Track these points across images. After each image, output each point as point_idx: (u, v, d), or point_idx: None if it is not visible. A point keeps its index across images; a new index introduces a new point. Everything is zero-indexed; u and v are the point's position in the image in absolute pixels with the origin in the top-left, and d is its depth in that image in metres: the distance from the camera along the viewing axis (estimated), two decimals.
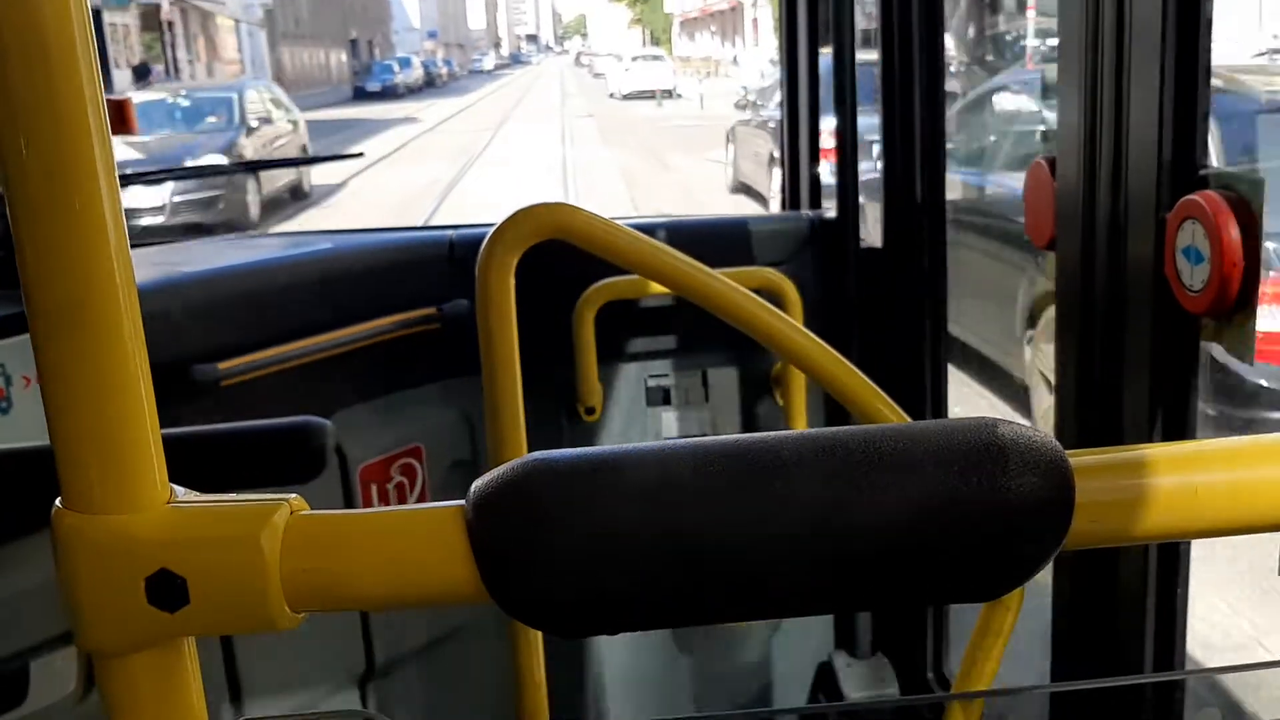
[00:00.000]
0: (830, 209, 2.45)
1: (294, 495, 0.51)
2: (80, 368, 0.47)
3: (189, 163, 11.04)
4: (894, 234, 2.28)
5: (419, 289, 2.19)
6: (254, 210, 12.68)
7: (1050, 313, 2.23)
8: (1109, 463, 0.53)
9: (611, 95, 38.70)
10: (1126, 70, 1.23)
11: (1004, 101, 6.54)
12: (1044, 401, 4.41)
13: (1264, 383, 3.82)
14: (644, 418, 2.44)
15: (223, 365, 1.83)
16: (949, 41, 3.08)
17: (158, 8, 35.86)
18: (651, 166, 17.57)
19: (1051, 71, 1.45)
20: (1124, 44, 1.23)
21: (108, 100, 0.44)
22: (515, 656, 1.49)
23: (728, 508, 0.49)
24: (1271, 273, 3.44)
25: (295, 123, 16.50)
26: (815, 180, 2.53)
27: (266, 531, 0.49)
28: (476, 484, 0.51)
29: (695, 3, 63.69)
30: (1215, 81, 1.22)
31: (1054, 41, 1.45)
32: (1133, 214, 1.25)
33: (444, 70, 63.96)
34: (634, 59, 38.09)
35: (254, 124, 14.57)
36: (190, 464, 1.15)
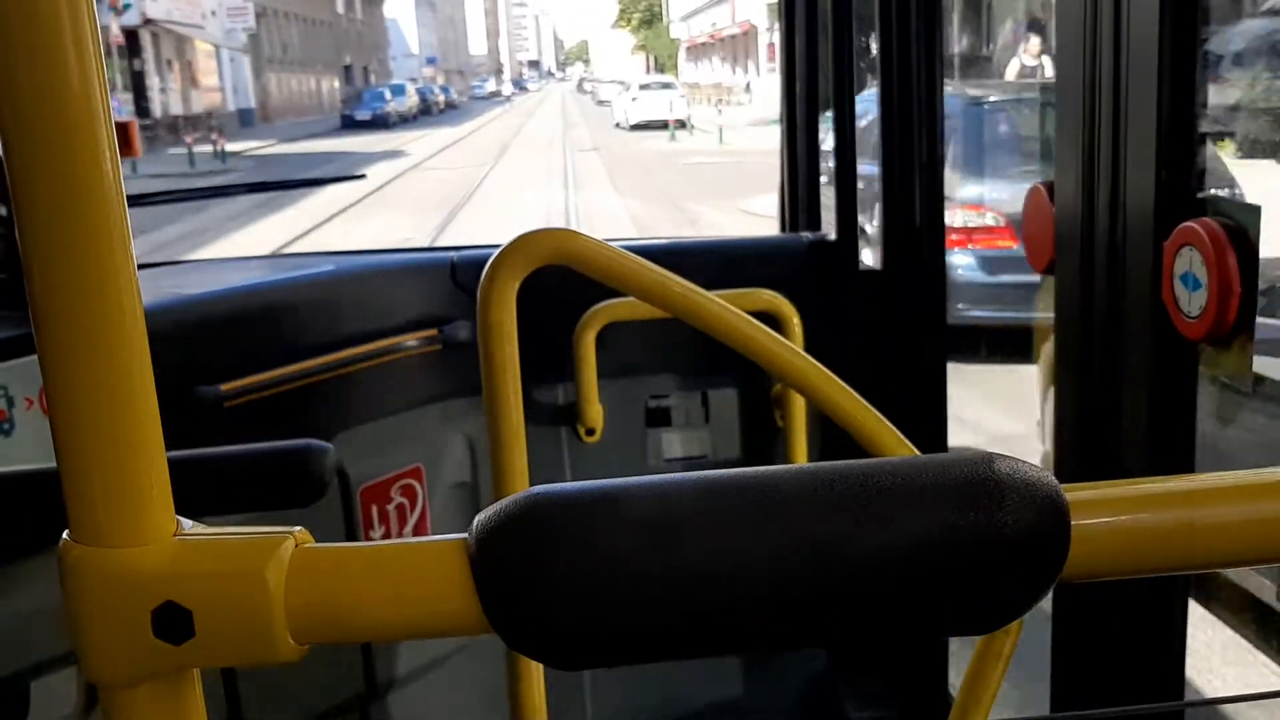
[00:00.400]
0: (830, 230, 2.48)
1: (298, 528, 0.52)
2: (89, 401, 0.48)
3: None
4: (893, 256, 2.28)
5: (421, 310, 2.22)
6: None
7: (1048, 346, 2.39)
8: (1105, 497, 0.54)
9: (618, 125, 35.73)
10: (1123, 97, 1.23)
11: None
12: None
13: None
14: (644, 439, 2.45)
15: (225, 386, 1.85)
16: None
17: (129, 32, 32.94)
18: (675, 221, 14.41)
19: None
20: (1120, 71, 1.23)
21: (115, 122, 0.45)
22: (515, 684, 1.43)
23: (728, 542, 0.49)
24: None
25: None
26: (814, 202, 2.54)
27: (272, 565, 0.49)
28: (479, 517, 0.51)
29: (703, 27, 60.96)
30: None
31: None
32: (1131, 240, 1.25)
33: (440, 98, 61.07)
34: (642, 86, 35.00)
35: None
36: (193, 487, 1.12)
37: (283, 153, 31.09)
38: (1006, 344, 5.84)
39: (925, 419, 2.28)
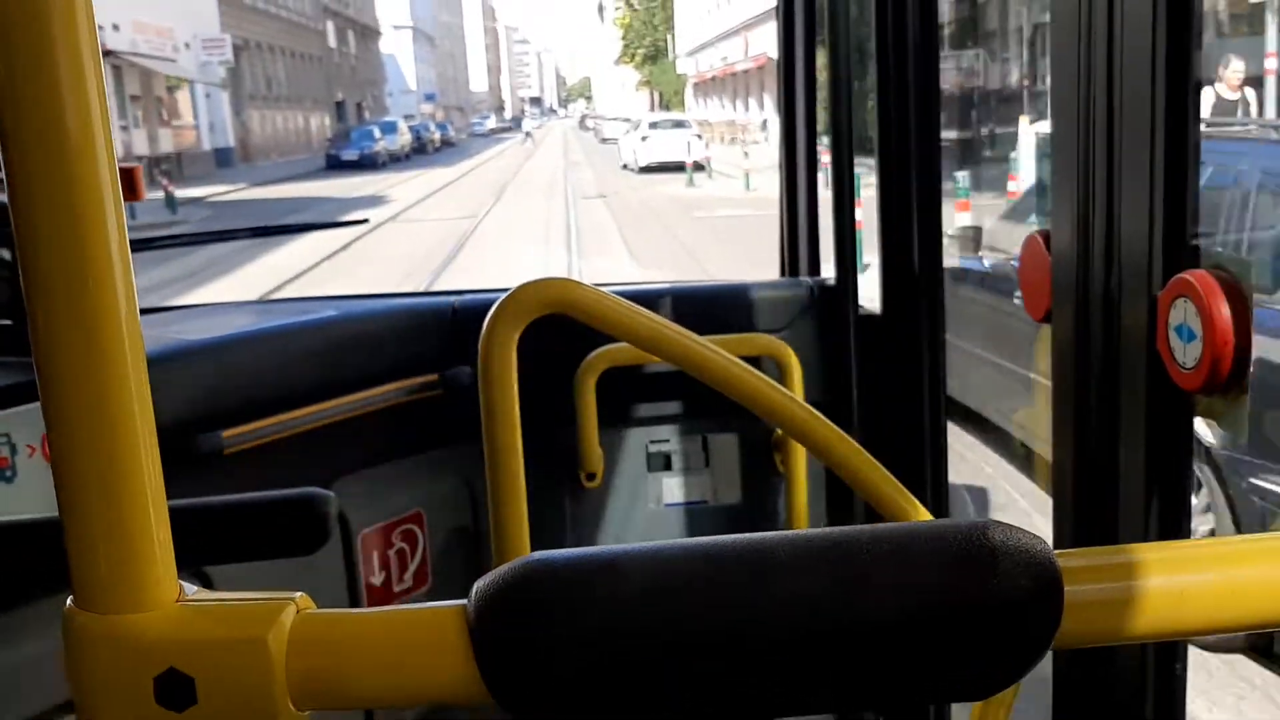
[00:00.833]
0: (830, 275, 2.47)
1: (299, 594, 0.52)
2: (93, 466, 0.48)
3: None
4: (892, 300, 2.28)
5: (422, 355, 2.22)
6: None
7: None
8: (1098, 564, 0.55)
9: (625, 167, 32.37)
10: (1118, 147, 1.24)
11: None
12: None
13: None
14: (645, 483, 2.45)
15: (227, 433, 1.85)
16: None
17: None
18: None
19: None
20: (1115, 121, 1.24)
21: (119, 168, 0.46)
22: None
23: (725, 612, 0.50)
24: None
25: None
26: (814, 245, 2.53)
27: (273, 632, 0.50)
28: (478, 585, 0.52)
29: (712, 62, 57.93)
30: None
31: None
32: (1126, 290, 1.27)
33: (436, 135, 57.93)
34: (652, 125, 31.50)
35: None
36: (196, 536, 1.14)
37: (251, 198, 27.79)
38: None
39: (925, 465, 2.25)
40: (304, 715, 0.51)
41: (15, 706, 1.51)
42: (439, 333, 2.25)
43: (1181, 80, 1.18)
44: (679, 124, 31.52)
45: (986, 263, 6.44)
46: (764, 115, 43.12)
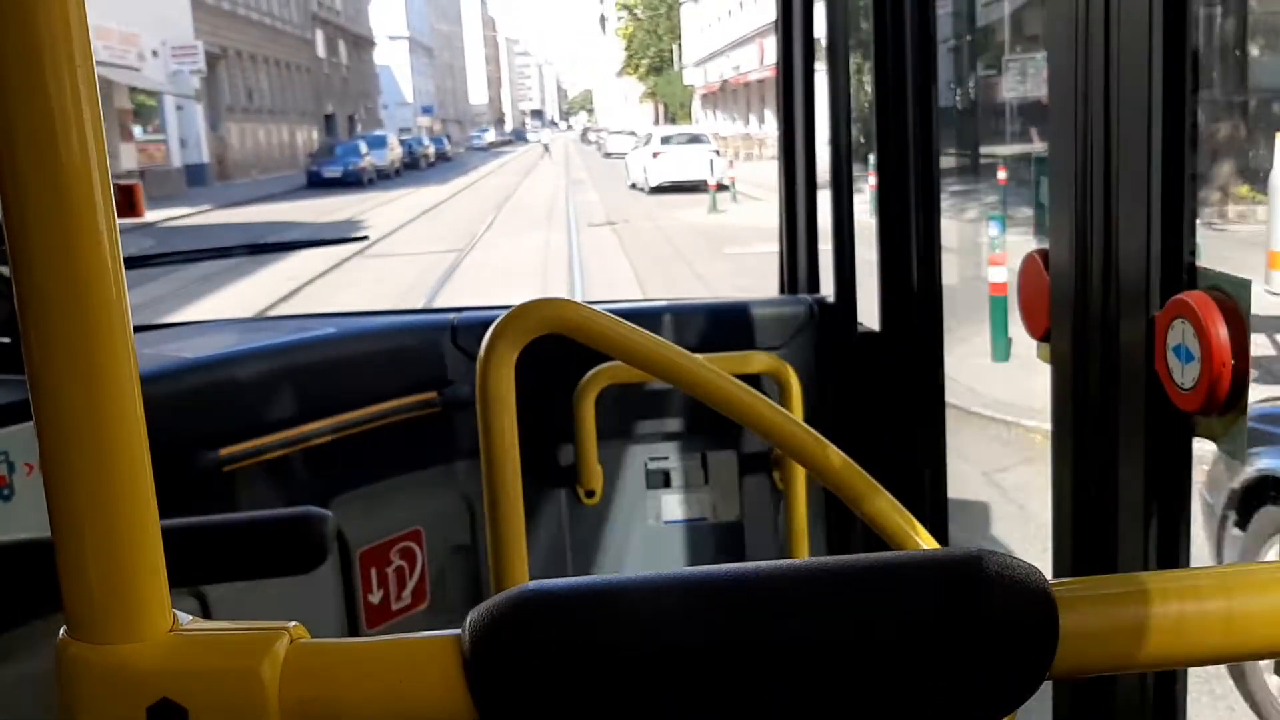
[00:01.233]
0: (829, 292, 2.46)
1: (293, 623, 0.52)
2: (87, 494, 0.49)
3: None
4: (891, 318, 2.27)
5: (422, 372, 2.22)
6: None
7: None
8: (1094, 594, 0.55)
9: (634, 186, 29.10)
10: (1115, 167, 1.25)
11: None
12: None
13: None
14: (644, 500, 2.44)
15: (225, 451, 1.85)
16: None
17: None
18: None
19: None
20: (1112, 140, 1.24)
21: (117, 185, 0.46)
22: None
23: (719, 644, 0.50)
24: None
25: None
26: (814, 263, 2.51)
27: (267, 662, 0.50)
28: (472, 615, 0.52)
29: (722, 72, 54.75)
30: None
31: None
32: (1124, 310, 1.27)
33: (430, 150, 54.68)
34: (665, 140, 28.00)
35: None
36: (193, 556, 1.15)
37: (214, 223, 24.53)
38: None
39: (924, 482, 2.24)
40: None
41: None
42: (439, 350, 2.24)
43: (1177, 100, 1.17)
44: (695, 139, 28.10)
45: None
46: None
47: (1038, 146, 12.39)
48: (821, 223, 2.46)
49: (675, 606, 0.51)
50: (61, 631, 0.50)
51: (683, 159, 26.53)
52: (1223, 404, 1.14)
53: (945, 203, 2.25)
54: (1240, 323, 1.13)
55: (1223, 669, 3.37)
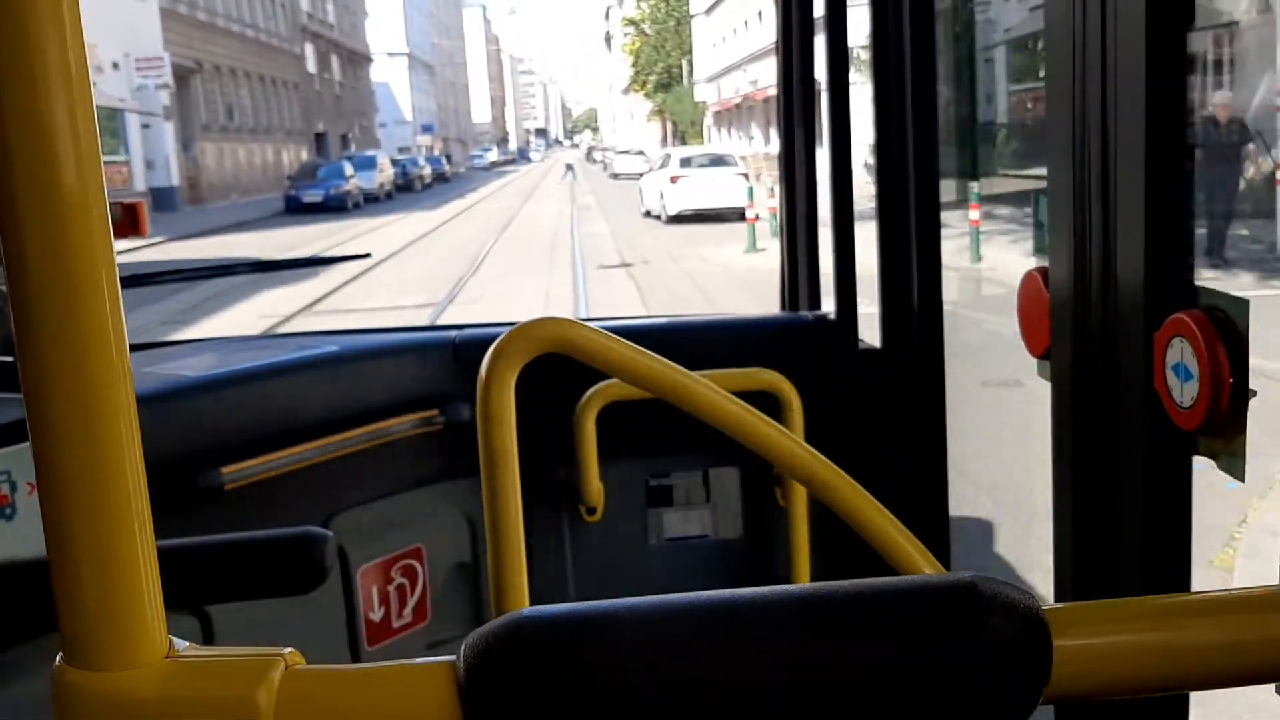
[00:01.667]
0: (830, 309, 2.47)
1: (289, 650, 0.52)
2: (82, 524, 0.49)
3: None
4: (892, 335, 2.27)
5: (423, 389, 2.21)
6: None
7: None
8: (1088, 619, 0.56)
9: (649, 214, 25.50)
10: (1113, 184, 1.24)
11: None
12: None
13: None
14: (645, 518, 2.42)
15: (227, 469, 1.85)
16: None
17: None
18: None
19: None
20: (1110, 157, 1.24)
21: (120, 203, 0.47)
22: None
23: (715, 669, 0.51)
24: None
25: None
26: (815, 279, 2.50)
27: (263, 689, 0.50)
28: (468, 641, 0.52)
29: (739, 87, 51.26)
30: None
31: None
32: (1123, 328, 1.26)
33: (425, 170, 51.15)
34: (685, 162, 24.25)
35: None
36: (195, 575, 1.17)
37: (150, 259, 21.00)
38: None
39: (925, 500, 2.22)
40: None
41: None
42: (440, 367, 2.24)
43: (1174, 119, 1.17)
44: (719, 160, 24.40)
45: None
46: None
47: None
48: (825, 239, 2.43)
49: (669, 634, 0.51)
50: (58, 658, 0.50)
51: (706, 184, 22.89)
52: (1222, 423, 1.13)
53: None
54: (1239, 341, 1.12)
55: None
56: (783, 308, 2.57)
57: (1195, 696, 1.22)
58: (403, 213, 32.11)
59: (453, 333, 2.31)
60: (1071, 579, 1.36)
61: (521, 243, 21.29)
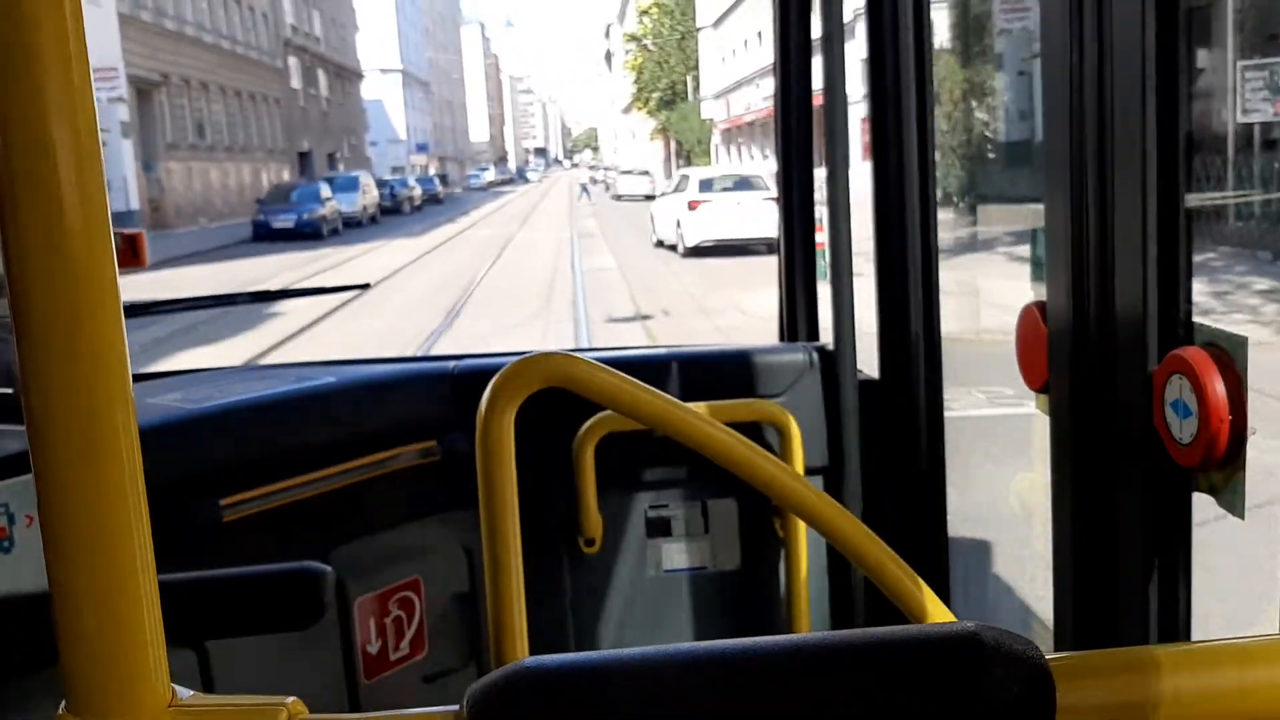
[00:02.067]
0: (828, 340, 2.45)
1: (291, 698, 0.52)
2: (89, 575, 0.48)
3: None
4: (890, 365, 2.26)
5: (421, 421, 2.20)
6: None
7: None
8: (1092, 668, 0.56)
9: (660, 244, 22.08)
10: (1111, 220, 1.24)
11: None
12: None
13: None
14: (644, 549, 2.40)
15: (225, 501, 1.84)
16: None
17: None
18: None
19: None
20: (1108, 195, 1.24)
21: (120, 233, 0.47)
22: None
23: (718, 718, 0.51)
24: None
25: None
26: (813, 309, 2.51)
27: None
28: (471, 690, 0.52)
29: (750, 103, 47.93)
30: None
31: None
32: (1122, 364, 1.26)
33: (415, 192, 47.72)
34: (705, 184, 20.64)
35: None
36: (193, 611, 1.17)
37: None
38: None
39: (924, 532, 2.19)
40: None
41: None
42: (438, 398, 2.22)
43: (1173, 154, 1.17)
44: (745, 183, 20.82)
45: None
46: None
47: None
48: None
49: (670, 687, 0.51)
50: (61, 707, 0.50)
51: (731, 210, 19.43)
52: (1221, 459, 1.13)
53: None
54: (1237, 378, 1.12)
55: None
56: (781, 338, 2.57)
57: None
58: (384, 240, 28.72)
59: (450, 363, 2.30)
60: (1071, 615, 1.35)
61: (513, 280, 17.82)
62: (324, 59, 60.31)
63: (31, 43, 0.45)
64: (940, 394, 2.17)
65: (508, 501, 1.21)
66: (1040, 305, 1.41)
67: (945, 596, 2.03)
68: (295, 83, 53.70)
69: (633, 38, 71.36)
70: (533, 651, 0.53)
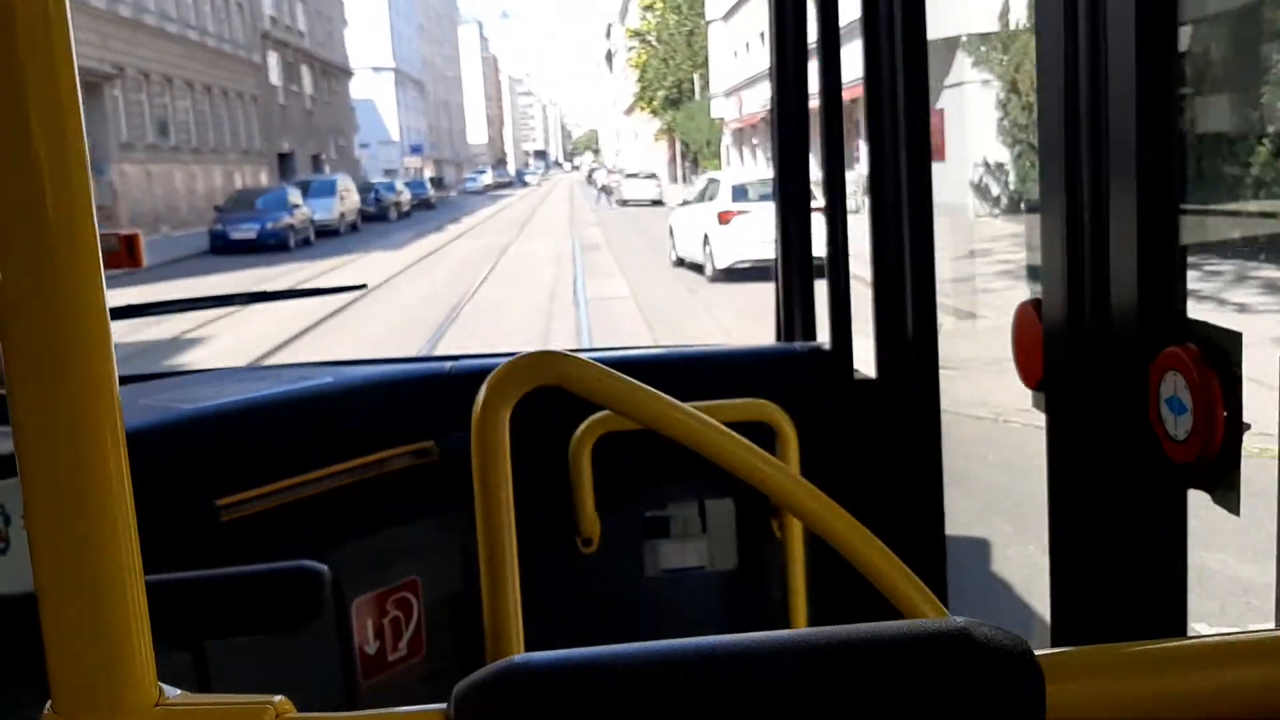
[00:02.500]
0: (825, 339, 2.47)
1: (279, 697, 0.52)
2: (76, 573, 0.49)
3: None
4: (887, 365, 2.27)
5: (417, 421, 2.21)
6: None
7: None
8: (1082, 664, 0.56)
9: (681, 263, 18.34)
10: (1106, 217, 1.24)
11: None
12: None
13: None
14: (641, 549, 2.42)
15: (220, 502, 1.85)
16: None
17: None
18: None
19: None
20: (1102, 192, 1.25)
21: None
22: None
23: (705, 714, 0.51)
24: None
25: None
26: (809, 309, 2.51)
27: None
28: (458, 688, 0.52)
29: (765, 101, 44.27)
30: None
31: None
32: (1117, 361, 1.27)
33: (403, 196, 43.96)
34: (739, 191, 16.96)
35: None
36: (189, 610, 1.17)
37: None
38: None
39: (921, 531, 2.21)
40: None
41: None
42: (435, 398, 2.23)
43: (1166, 152, 1.18)
44: None
45: None
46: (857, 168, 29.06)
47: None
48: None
49: (659, 683, 0.51)
50: (47, 706, 0.50)
51: (771, 223, 15.68)
52: (1216, 455, 1.14)
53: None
54: (1232, 374, 1.13)
55: None
56: (778, 338, 2.56)
57: None
58: (360, 253, 25.05)
59: (447, 364, 2.32)
60: (1066, 610, 1.37)
61: (500, 314, 14.05)
62: (308, 54, 56.54)
63: (11, 37, 0.45)
64: (937, 393, 2.20)
65: (503, 501, 1.21)
66: (1036, 303, 1.42)
67: (943, 596, 2.10)
68: (275, 79, 49.94)
69: (636, 33, 67.74)
70: (529, 651, 0.54)
